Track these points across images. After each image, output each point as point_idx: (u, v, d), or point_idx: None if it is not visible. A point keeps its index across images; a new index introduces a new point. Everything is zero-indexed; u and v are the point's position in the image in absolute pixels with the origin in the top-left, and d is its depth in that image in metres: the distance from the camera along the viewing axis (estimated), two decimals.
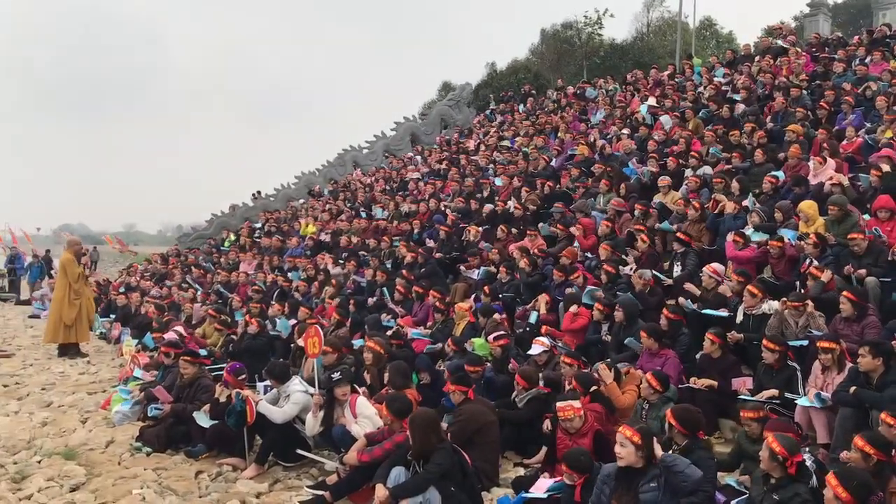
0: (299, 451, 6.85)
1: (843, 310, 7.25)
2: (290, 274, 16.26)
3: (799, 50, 18.43)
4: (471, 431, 6.28)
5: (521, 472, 6.84)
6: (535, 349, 8.45)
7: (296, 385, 7.27)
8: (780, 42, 19.48)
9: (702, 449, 5.46)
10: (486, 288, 10.99)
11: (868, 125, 12.50)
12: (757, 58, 18.67)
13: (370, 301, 12.73)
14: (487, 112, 28.75)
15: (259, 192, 28.59)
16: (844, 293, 7.28)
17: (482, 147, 22.07)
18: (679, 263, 9.94)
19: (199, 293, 17.34)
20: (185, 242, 27.55)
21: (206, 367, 8.92)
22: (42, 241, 44.26)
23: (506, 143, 21.41)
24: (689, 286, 9.08)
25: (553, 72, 37.89)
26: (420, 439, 5.40)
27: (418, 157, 25.13)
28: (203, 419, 7.48)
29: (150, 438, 7.68)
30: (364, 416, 6.74)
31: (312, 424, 6.89)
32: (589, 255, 11.56)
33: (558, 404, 6.17)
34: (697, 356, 7.86)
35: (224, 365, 11.11)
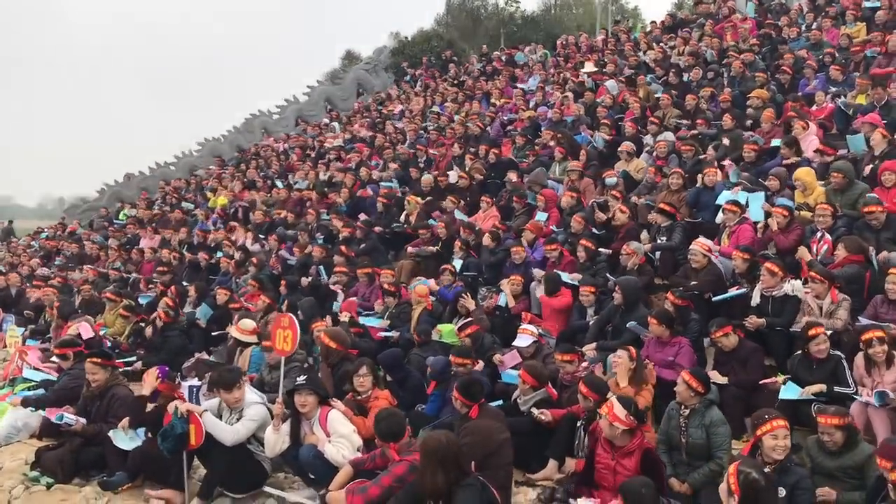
0: (267, 489, 5.35)
1: (891, 291, 6.33)
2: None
3: (740, 15, 17.87)
4: (483, 455, 4.95)
5: (531, 493, 5.61)
6: (522, 340, 7.21)
7: (250, 396, 5.73)
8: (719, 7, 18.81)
9: (797, 465, 4.37)
10: (448, 267, 9.59)
11: (833, 90, 11.86)
12: (703, 21, 17.95)
13: (304, 282, 11.17)
14: (407, 78, 27.20)
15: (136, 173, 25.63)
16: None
17: (407, 113, 20.60)
18: (663, 237, 8.89)
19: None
20: (74, 215, 24.85)
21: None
22: None
23: (435, 109, 20.00)
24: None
25: (465, 41, 37.06)
26: (439, 475, 4.07)
27: (335, 124, 23.38)
28: (123, 440, 5.87)
29: (50, 465, 5.99)
30: (339, 435, 5.31)
31: (273, 442, 5.40)
32: (555, 228, 10.42)
33: (613, 407, 4.91)
34: (706, 344, 6.85)
35: (133, 359, 9.49)
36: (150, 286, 13.08)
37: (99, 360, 6.20)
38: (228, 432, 5.41)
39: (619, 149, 11.58)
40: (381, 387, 6.30)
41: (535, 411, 5.89)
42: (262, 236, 14.17)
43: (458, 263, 10.35)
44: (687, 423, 5.41)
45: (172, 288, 11.71)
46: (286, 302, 10.26)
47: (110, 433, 5.89)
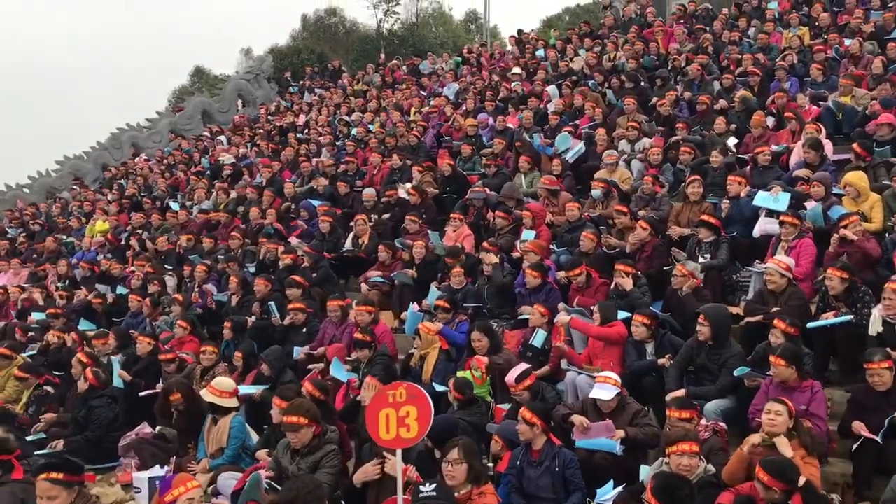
0: None
1: None
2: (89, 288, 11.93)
3: (662, 21, 17.35)
4: None
5: None
6: (603, 390, 5.66)
7: None
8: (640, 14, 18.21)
9: None
10: (440, 302, 7.89)
11: (810, 92, 11.24)
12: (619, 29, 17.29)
13: (249, 322, 9.12)
14: (294, 88, 25.14)
15: None
16: None
17: (313, 124, 18.63)
18: (706, 255, 7.66)
19: None
20: None
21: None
22: None
23: (344, 119, 18.16)
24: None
25: (334, 54, 35.73)
26: None
27: (222, 137, 20.95)
28: None
29: None
30: None
31: None
32: (555, 248, 9.00)
33: None
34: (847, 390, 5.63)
35: (42, 436, 7.16)
36: (30, 335, 10.44)
37: (61, 476, 3.99)
38: None
39: (605, 157, 10.36)
40: (484, 479, 4.53)
41: None
42: (168, 267, 11.84)
43: (432, 295, 8.75)
44: None
45: (73, 335, 9.31)
46: (238, 349, 8.23)
47: None
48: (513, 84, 15.85)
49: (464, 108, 15.51)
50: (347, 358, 7.74)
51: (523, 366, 6.13)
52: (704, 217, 7.77)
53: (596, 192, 9.60)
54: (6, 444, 4.48)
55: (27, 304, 12.19)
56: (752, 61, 12.51)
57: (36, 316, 10.96)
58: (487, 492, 4.39)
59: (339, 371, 7.29)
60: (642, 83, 13.56)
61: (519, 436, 5.18)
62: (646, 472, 4.84)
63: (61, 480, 3.95)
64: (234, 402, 6.36)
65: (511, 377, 6.00)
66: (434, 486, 3.70)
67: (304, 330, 8.62)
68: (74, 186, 20.69)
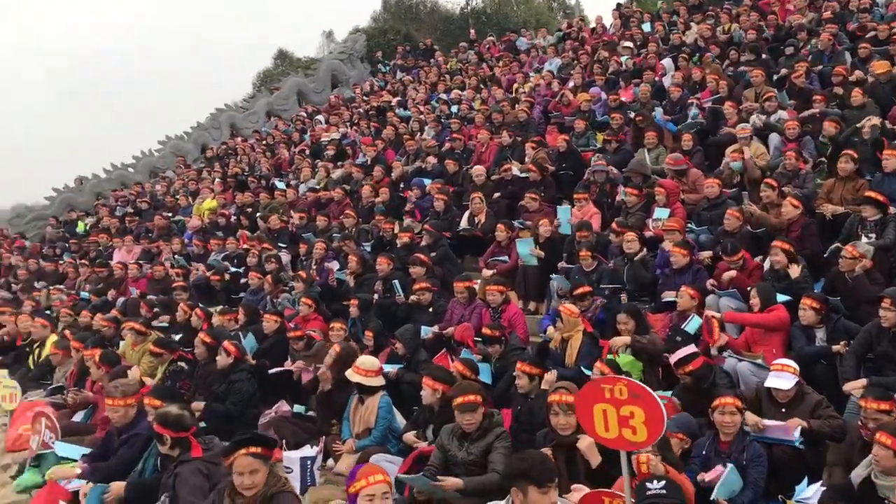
0: None
1: None
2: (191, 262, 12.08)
3: None
4: None
5: None
6: (780, 379, 5.26)
7: None
8: None
9: None
10: (582, 289, 7.51)
11: None
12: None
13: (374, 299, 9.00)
14: (387, 68, 25.07)
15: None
16: None
17: (410, 103, 18.45)
18: (871, 235, 7.10)
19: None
20: (18, 225, 21.69)
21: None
22: None
23: (442, 97, 17.92)
24: None
25: (420, 34, 35.50)
26: None
27: (320, 117, 21.00)
28: None
29: None
30: None
31: None
32: (693, 226, 8.55)
33: None
34: None
35: None
36: (154, 311, 10.54)
37: (259, 451, 3.82)
38: None
39: (738, 132, 9.79)
40: (681, 469, 4.21)
41: None
42: (282, 245, 11.84)
43: (557, 279, 8.46)
44: None
45: (198, 311, 9.35)
46: (368, 328, 8.11)
47: None
48: (622, 58, 15.31)
49: (571, 83, 15.04)
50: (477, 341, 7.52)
51: (689, 349, 5.76)
52: (871, 194, 7.18)
53: (736, 164, 9.07)
54: (182, 420, 4.39)
55: (145, 281, 12.43)
56: (887, 31, 11.67)
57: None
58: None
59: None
60: (763, 55, 12.86)
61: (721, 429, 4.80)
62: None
63: (261, 454, 3.83)
64: (380, 381, 6.18)
65: (673, 359, 5.65)
66: (663, 482, 3.40)
67: (431, 309, 8.42)
68: (179, 165, 21.08)
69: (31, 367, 9.10)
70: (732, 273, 6.91)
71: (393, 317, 8.73)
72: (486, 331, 6.93)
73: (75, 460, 5.73)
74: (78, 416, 7.09)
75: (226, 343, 7.12)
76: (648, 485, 3.40)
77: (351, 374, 6.12)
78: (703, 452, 4.80)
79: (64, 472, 5.09)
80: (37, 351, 9.22)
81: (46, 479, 5.65)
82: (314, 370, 7.75)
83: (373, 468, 3.77)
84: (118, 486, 4.76)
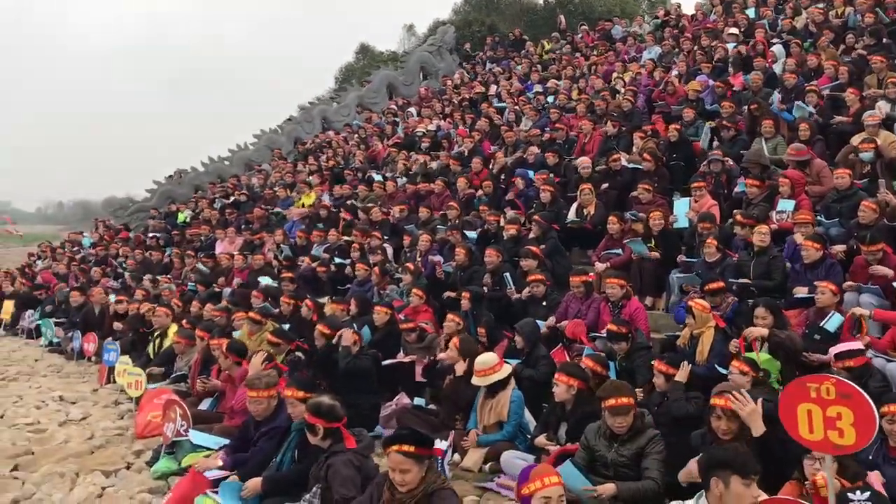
0: None
1: None
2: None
3: None
4: None
5: None
6: None
7: None
8: None
9: None
10: (715, 284, 7.19)
11: None
12: None
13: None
14: (477, 59, 24.97)
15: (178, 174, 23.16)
16: None
17: (504, 94, 18.27)
18: None
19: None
20: (122, 217, 22.53)
21: None
22: None
23: (537, 88, 17.70)
24: None
25: (504, 25, 35.20)
26: None
27: (412, 109, 21.06)
28: None
29: None
30: None
31: None
32: (823, 219, 8.13)
33: None
34: None
35: None
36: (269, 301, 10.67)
37: (412, 450, 3.72)
38: None
39: (866, 119, 9.26)
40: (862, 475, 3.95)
41: None
42: (385, 237, 11.86)
43: (676, 275, 8.19)
44: None
45: (308, 302, 9.44)
46: (481, 324, 8.01)
47: None
48: (728, 45, 14.76)
49: (674, 71, 14.60)
50: (601, 336, 7.33)
51: (855, 343, 5.44)
52: None
53: (866, 154, 8.58)
54: (335, 410, 4.35)
55: (248, 271, 12.64)
56: None
57: (263, 281, 11.24)
58: None
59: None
60: (884, 39, 12.18)
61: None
62: None
63: (413, 453, 3.73)
64: (506, 370, 6.03)
65: (835, 350, 5.35)
66: (868, 493, 3.18)
67: (545, 303, 8.26)
68: (275, 158, 21.46)
69: (151, 355, 9.36)
70: (888, 271, 6.48)
71: (504, 310, 8.62)
72: (611, 327, 6.72)
73: (209, 449, 5.82)
74: (204, 405, 7.22)
75: (346, 331, 7.13)
76: (851, 496, 3.17)
77: (479, 381, 6.00)
78: (871, 458, 4.50)
79: (206, 463, 5.16)
80: (157, 340, 9.46)
81: (182, 466, 5.77)
82: (429, 362, 7.75)
83: (547, 469, 3.64)
84: (255, 483, 4.79)
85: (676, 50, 16.36)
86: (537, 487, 3.50)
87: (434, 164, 14.90)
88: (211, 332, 7.88)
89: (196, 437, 5.89)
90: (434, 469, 3.86)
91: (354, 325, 8.32)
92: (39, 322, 13.11)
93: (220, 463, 5.15)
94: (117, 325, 10.96)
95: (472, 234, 10.58)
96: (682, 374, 5.50)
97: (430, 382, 7.59)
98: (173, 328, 9.39)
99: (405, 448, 3.70)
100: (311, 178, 17.38)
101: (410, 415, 6.64)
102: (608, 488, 4.41)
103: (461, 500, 4.15)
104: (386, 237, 11.81)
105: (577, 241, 10.25)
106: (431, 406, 7.12)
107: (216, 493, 4.78)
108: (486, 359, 6.12)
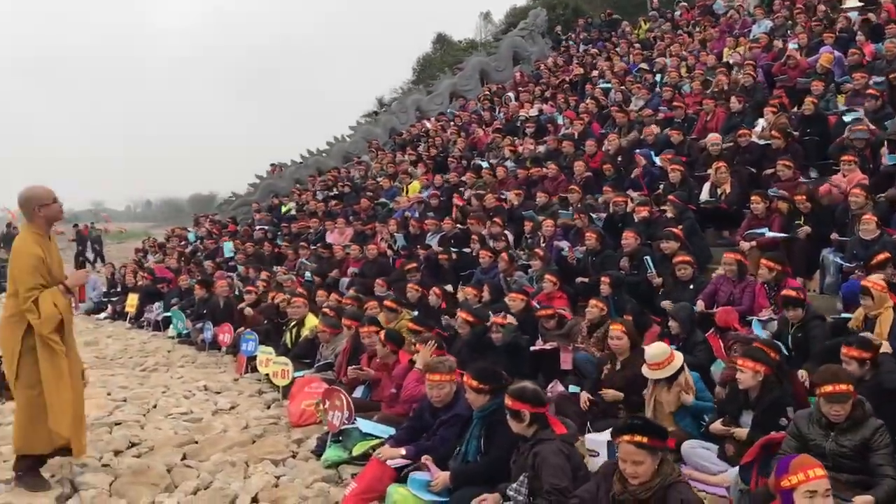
0: None
1: None
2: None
3: None
4: None
5: None
6: None
7: None
8: None
9: None
10: (882, 255, 6.77)
11: None
12: None
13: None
14: (569, 42, 24.55)
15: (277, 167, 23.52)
16: None
17: (609, 75, 17.85)
18: None
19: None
20: (227, 211, 23.11)
21: None
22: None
23: (643, 66, 17.22)
24: None
25: (589, 6, 34.47)
26: None
27: (510, 94, 20.84)
28: None
29: None
30: None
31: None
32: None
33: None
34: None
35: None
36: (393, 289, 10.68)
37: (645, 440, 3.53)
38: None
39: None
40: None
41: None
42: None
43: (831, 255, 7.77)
44: None
45: (436, 290, 9.39)
46: (626, 312, 7.79)
47: None
48: (850, 14, 14.02)
49: (793, 44, 13.94)
50: (760, 319, 7.01)
51: None
52: None
53: None
54: (540, 395, 4.23)
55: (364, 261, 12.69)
56: None
57: None
58: None
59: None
60: None
61: None
62: None
63: (646, 444, 3.57)
64: (680, 359, 5.79)
65: None
66: None
67: (692, 287, 7.97)
68: (373, 150, 21.58)
69: (290, 345, 9.47)
70: None
71: (644, 294, 8.38)
72: (788, 292, 6.47)
73: (378, 437, 5.80)
74: (356, 393, 7.23)
75: (496, 318, 7.03)
76: None
77: (654, 374, 5.79)
78: None
79: (390, 452, 5.11)
80: (294, 329, 9.57)
81: (354, 455, 5.76)
82: (573, 350, 7.57)
83: (810, 460, 3.40)
84: (444, 477, 4.72)
85: (790, 22, 15.64)
86: (801, 480, 3.27)
87: (541, 149, 14.66)
88: (360, 321, 7.88)
89: (364, 425, 5.87)
90: (668, 461, 3.68)
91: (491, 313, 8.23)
92: (167, 314, 13.48)
93: (404, 452, 5.09)
94: (249, 311, 11.11)
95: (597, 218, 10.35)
96: (886, 347, 5.17)
97: (576, 370, 7.41)
98: (311, 318, 9.47)
99: (637, 438, 3.54)
100: (413, 167, 17.37)
101: (568, 402, 6.49)
102: (866, 500, 4.06)
103: None
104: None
105: (712, 222, 9.89)
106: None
107: (404, 483, 4.74)
108: (658, 350, 5.90)
